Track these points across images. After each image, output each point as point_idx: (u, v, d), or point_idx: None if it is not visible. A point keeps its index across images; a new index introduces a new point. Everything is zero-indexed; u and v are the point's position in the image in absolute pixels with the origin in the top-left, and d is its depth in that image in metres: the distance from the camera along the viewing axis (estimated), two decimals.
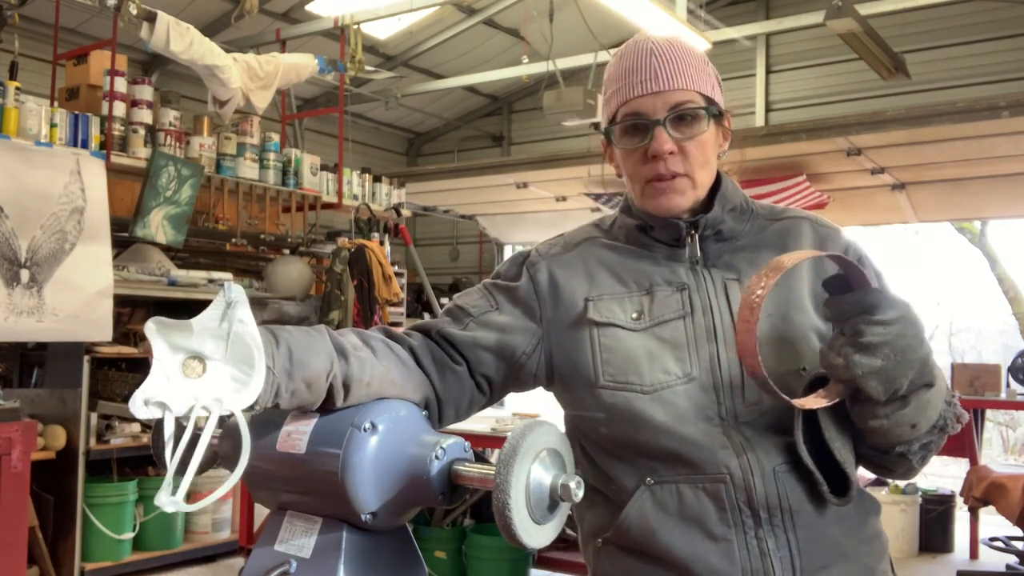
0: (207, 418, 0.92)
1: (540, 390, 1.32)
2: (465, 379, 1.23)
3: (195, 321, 0.92)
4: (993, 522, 5.39)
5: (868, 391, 1.01)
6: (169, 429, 0.91)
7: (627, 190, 1.30)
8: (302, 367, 0.99)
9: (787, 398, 1.03)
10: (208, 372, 0.91)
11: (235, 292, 0.93)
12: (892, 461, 1.13)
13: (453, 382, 1.22)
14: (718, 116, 1.25)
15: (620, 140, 1.25)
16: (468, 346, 1.23)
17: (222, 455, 1.07)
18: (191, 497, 0.92)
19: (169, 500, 0.89)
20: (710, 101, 1.23)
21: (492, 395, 1.27)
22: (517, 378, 1.26)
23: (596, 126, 6.60)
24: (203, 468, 0.96)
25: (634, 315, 1.21)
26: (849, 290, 1.05)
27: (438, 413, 1.21)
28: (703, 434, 1.14)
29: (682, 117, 1.20)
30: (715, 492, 1.13)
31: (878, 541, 1.21)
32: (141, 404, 0.89)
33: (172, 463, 0.91)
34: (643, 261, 1.26)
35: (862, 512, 1.19)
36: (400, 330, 1.25)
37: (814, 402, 1.05)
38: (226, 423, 1.06)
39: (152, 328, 0.91)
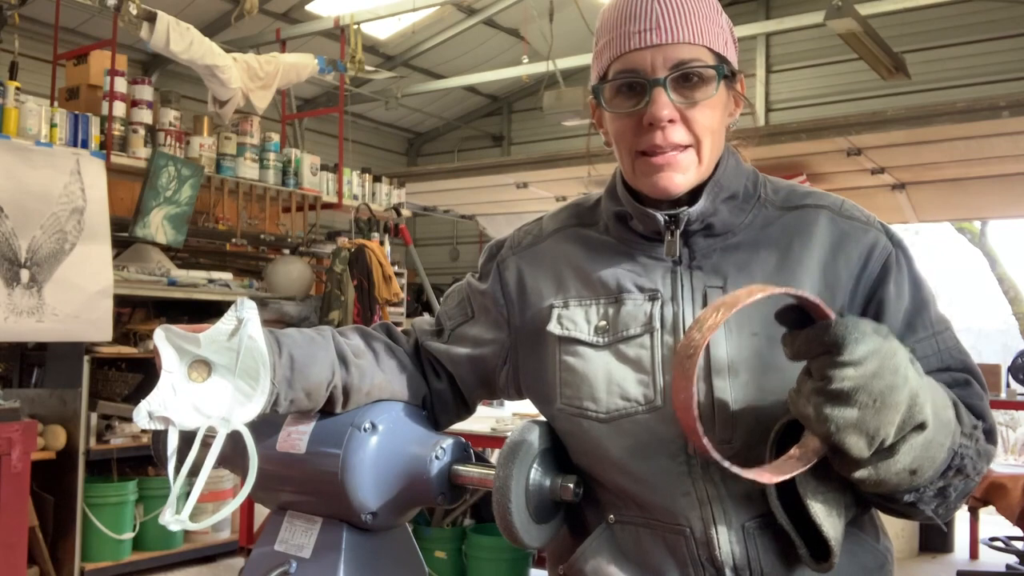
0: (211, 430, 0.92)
1: None
2: (446, 392, 1.19)
3: (204, 336, 0.91)
4: (993, 522, 5.38)
5: (847, 449, 0.81)
6: (173, 443, 0.91)
7: (617, 164, 1.09)
8: (303, 377, 0.98)
9: (751, 476, 0.84)
10: (212, 379, 0.91)
11: (247, 309, 0.92)
12: (905, 510, 0.94)
13: (436, 397, 1.19)
14: (730, 77, 1.02)
15: (611, 102, 1.03)
16: (446, 359, 1.17)
17: (222, 455, 1.07)
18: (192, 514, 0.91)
19: (174, 519, 0.89)
20: (722, 60, 1.00)
21: (474, 405, 1.22)
22: (493, 390, 1.17)
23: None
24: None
25: (598, 326, 1.03)
26: (810, 321, 0.85)
27: None
28: (663, 474, 0.97)
29: (687, 77, 0.98)
30: (673, 544, 0.98)
31: None
32: (146, 416, 0.89)
33: (176, 482, 0.90)
34: (618, 259, 1.06)
35: (858, 570, 1.00)
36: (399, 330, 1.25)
37: (789, 468, 0.86)
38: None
39: (161, 335, 0.90)
